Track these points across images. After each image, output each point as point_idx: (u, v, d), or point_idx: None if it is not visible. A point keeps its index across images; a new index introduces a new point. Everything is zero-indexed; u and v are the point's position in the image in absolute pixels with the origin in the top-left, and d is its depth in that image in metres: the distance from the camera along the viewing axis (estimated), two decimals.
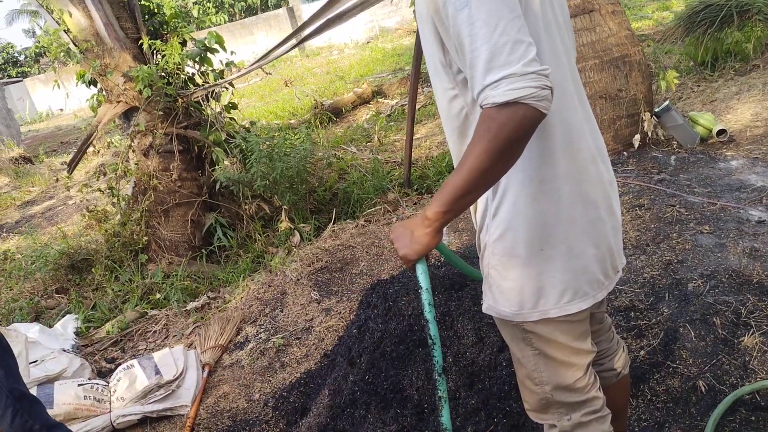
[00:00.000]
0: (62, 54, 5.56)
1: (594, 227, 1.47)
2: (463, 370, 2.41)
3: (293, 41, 4.90)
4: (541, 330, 1.50)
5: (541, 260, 1.43)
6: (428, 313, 1.46)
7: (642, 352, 2.58)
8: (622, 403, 1.94)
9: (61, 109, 25.64)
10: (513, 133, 1.18)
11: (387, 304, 2.81)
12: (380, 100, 9.83)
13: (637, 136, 4.93)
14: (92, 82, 5.51)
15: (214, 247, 5.36)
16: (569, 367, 1.55)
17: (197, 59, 5.47)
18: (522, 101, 1.15)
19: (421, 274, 1.46)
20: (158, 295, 4.90)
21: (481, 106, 1.21)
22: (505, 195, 1.42)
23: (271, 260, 4.84)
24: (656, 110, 5.02)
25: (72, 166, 5.61)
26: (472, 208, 1.59)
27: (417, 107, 5.41)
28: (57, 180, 7.58)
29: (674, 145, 4.97)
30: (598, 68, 4.80)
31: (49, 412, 3.17)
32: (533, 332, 1.51)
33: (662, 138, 5.04)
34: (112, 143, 6.30)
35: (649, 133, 4.94)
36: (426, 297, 1.46)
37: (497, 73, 1.17)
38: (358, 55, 15.50)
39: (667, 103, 5.01)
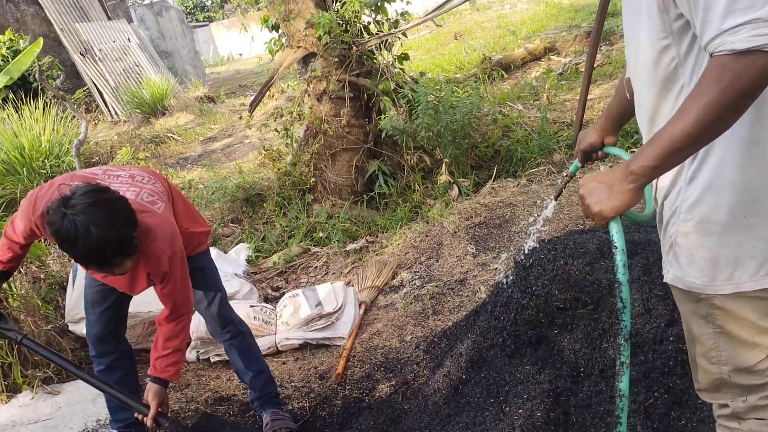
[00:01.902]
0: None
1: None
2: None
3: None
4: (731, 305, 1.40)
5: (743, 228, 1.32)
6: (622, 275, 1.41)
7: None
8: None
9: (241, 54, 27.35)
10: (749, 84, 1.09)
11: (548, 265, 2.76)
12: (552, 57, 9.43)
13: None
14: (275, 27, 5.82)
15: (375, 193, 5.53)
16: (752, 347, 1.44)
17: (373, 8, 5.57)
18: (764, 49, 1.06)
19: (616, 233, 1.40)
20: (321, 234, 5.19)
21: (711, 54, 1.13)
22: (708, 156, 1.32)
23: (429, 211, 4.92)
24: None
25: (253, 106, 6.01)
26: None
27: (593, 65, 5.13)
28: (240, 118, 8.16)
29: None
30: None
31: None
32: (721, 308, 1.41)
33: None
34: (290, 86, 6.65)
35: None
36: (620, 258, 1.41)
37: (739, 17, 1.07)
38: (531, 10, 14.91)
39: None
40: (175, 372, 2.40)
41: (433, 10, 5.30)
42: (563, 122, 6.13)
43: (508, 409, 2.38)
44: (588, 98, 5.55)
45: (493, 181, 5.16)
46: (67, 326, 3.86)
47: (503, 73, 8.98)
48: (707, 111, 1.14)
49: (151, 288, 2.41)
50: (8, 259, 2.42)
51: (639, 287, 2.43)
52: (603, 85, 7.37)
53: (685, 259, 1.41)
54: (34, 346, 2.46)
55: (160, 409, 2.35)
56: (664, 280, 1.51)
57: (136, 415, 2.40)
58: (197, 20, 33.94)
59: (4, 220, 3.56)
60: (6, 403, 3.28)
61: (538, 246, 2.93)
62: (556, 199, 2.23)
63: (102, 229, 1.89)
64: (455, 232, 4.37)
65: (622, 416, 1.51)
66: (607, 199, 1.35)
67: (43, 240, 2.30)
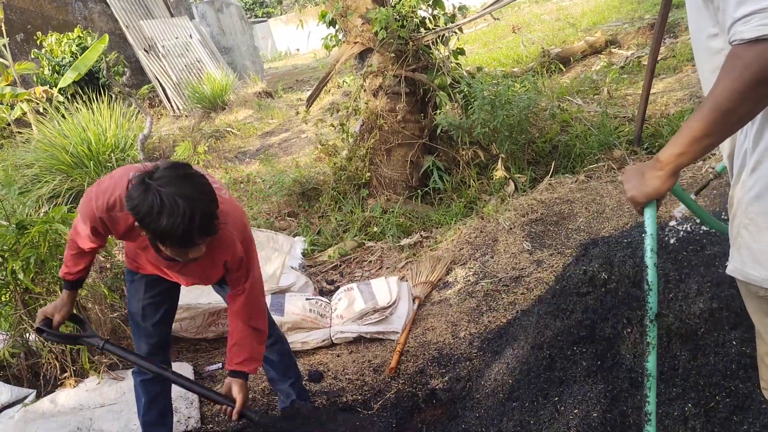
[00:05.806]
0: None
1: None
2: (688, 341, 2.27)
3: None
4: None
5: None
6: (649, 259, 1.48)
7: None
8: None
9: (298, 49, 27.66)
10: (759, 73, 1.08)
11: (608, 265, 2.71)
12: (613, 50, 9.18)
13: None
14: (332, 23, 5.87)
15: (430, 188, 5.53)
16: None
17: (430, 3, 5.56)
18: None
19: (648, 218, 1.47)
20: (375, 229, 5.22)
21: (730, 43, 1.12)
22: None
23: (484, 207, 4.88)
24: None
25: (310, 101, 6.07)
26: (727, 162, 1.47)
27: (657, 58, 4.98)
28: (297, 113, 8.27)
29: None
30: None
31: (279, 319, 3.59)
32: None
33: None
34: (345, 82, 6.70)
35: None
36: (649, 242, 1.47)
37: (749, 6, 1.07)
38: (592, 2, 14.53)
39: None
40: (257, 366, 2.30)
41: (491, 4, 5.24)
42: (624, 117, 5.98)
43: (563, 408, 2.34)
44: (651, 92, 5.40)
45: (551, 177, 5.08)
46: None
47: (562, 66, 8.81)
48: (720, 99, 1.15)
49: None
50: (78, 270, 2.39)
51: (703, 291, 2.36)
52: (666, 79, 7.14)
53: (747, 251, 1.39)
54: (116, 350, 2.40)
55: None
56: (726, 272, 1.48)
57: (218, 408, 2.28)
58: (256, 16, 34.37)
59: (72, 212, 3.71)
60: (74, 387, 3.43)
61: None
62: (696, 194, 2.22)
63: (190, 202, 1.77)
64: (511, 229, 4.33)
65: (649, 395, 1.55)
66: (640, 186, 1.42)
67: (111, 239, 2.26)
